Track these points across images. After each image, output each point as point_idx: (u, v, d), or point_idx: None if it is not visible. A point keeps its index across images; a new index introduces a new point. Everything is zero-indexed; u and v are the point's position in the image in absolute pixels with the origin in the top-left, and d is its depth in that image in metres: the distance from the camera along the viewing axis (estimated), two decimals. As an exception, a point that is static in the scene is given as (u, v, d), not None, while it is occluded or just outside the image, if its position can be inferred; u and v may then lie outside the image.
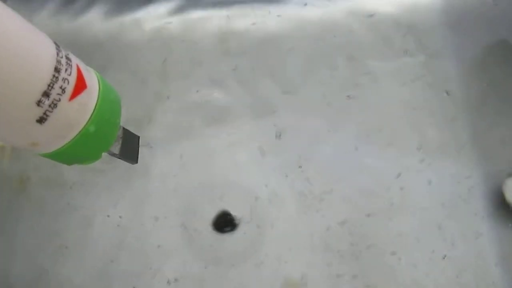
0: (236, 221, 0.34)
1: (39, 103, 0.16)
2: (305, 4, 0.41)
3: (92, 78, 0.19)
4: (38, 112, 0.17)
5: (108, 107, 0.20)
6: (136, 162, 0.26)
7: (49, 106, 0.17)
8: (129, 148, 0.25)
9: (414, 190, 0.34)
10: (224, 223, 0.34)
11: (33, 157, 0.34)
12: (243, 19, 0.41)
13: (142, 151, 0.35)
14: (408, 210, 0.34)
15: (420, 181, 0.34)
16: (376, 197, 0.34)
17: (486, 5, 0.40)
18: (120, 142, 0.23)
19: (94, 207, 0.35)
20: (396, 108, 0.37)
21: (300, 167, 0.35)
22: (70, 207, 0.35)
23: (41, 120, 0.17)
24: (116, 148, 0.23)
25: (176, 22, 0.41)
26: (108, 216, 0.35)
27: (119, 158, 0.24)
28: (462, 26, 0.39)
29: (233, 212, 0.34)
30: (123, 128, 0.24)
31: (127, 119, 0.38)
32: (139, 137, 0.26)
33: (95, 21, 0.41)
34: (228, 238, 0.34)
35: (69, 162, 0.21)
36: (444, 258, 0.32)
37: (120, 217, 0.35)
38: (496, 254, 0.32)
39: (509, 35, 0.38)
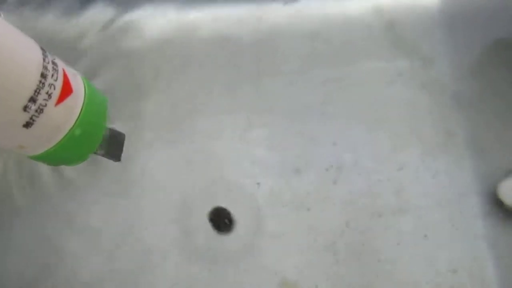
0: (234, 221, 0.34)
1: (25, 108, 0.17)
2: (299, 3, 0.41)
3: (78, 82, 0.20)
4: (25, 117, 0.17)
5: (93, 110, 0.20)
6: (119, 160, 0.26)
7: (36, 111, 0.17)
8: (115, 147, 0.26)
9: (410, 191, 0.34)
10: (222, 222, 0.34)
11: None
12: (240, 20, 0.41)
13: (138, 152, 0.35)
14: (405, 211, 0.34)
15: (416, 181, 0.35)
16: (373, 198, 0.34)
17: (482, 5, 0.40)
18: (106, 142, 0.24)
19: (92, 208, 0.35)
20: (393, 108, 0.37)
21: (298, 167, 0.36)
22: (68, 208, 0.35)
23: (27, 125, 0.17)
24: (101, 148, 0.23)
25: (173, 24, 0.41)
26: (106, 217, 0.35)
27: (103, 156, 0.25)
28: (459, 27, 0.39)
29: (231, 212, 0.34)
30: (109, 128, 0.24)
31: (121, 120, 0.38)
32: (124, 135, 0.26)
33: (87, 22, 0.41)
34: (225, 238, 0.34)
35: (56, 164, 0.21)
36: (440, 258, 0.32)
37: (117, 218, 0.35)
38: (492, 254, 0.32)
39: (505, 35, 0.39)
